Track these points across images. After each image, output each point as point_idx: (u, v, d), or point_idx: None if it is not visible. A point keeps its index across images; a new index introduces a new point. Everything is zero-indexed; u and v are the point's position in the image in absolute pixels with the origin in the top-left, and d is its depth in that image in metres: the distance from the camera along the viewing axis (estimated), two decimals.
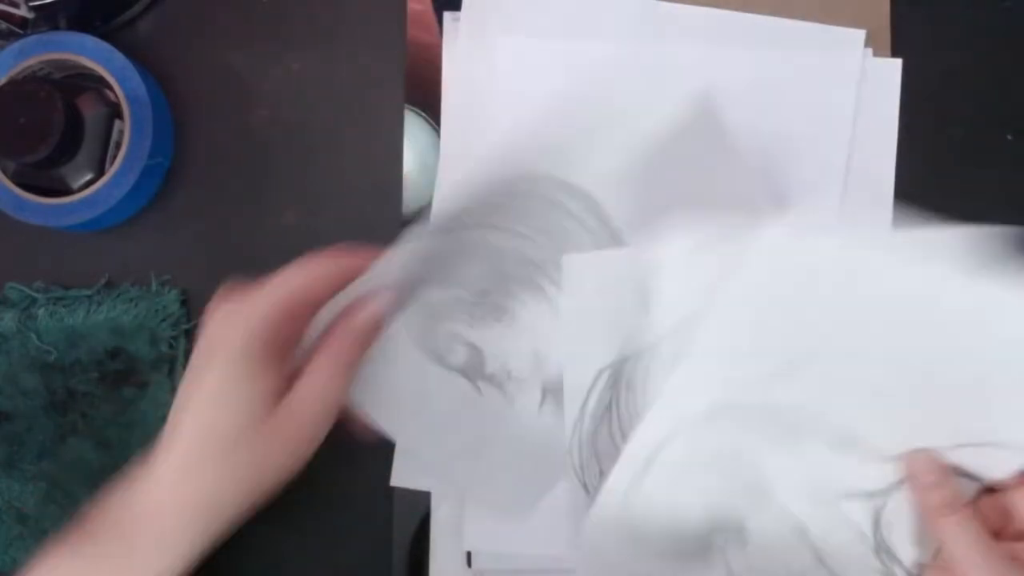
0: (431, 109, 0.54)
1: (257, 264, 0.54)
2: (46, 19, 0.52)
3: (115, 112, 0.51)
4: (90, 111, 0.50)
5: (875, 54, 0.53)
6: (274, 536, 0.53)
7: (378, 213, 0.54)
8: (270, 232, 0.54)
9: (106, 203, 0.51)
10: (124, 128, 0.51)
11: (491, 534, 0.51)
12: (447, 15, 0.53)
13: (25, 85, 0.49)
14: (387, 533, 0.52)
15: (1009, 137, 0.54)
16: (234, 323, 0.42)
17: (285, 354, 0.43)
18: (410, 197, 0.54)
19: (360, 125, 0.54)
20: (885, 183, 0.52)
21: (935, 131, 0.53)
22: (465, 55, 0.53)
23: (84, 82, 0.51)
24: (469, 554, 0.52)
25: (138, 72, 0.51)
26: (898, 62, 0.52)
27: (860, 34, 0.52)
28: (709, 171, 0.49)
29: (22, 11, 0.51)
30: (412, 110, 0.54)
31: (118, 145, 0.51)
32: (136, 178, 0.51)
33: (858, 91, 0.52)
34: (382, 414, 0.49)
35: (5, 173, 0.50)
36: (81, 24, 0.53)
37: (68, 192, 0.51)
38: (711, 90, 0.49)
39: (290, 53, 0.55)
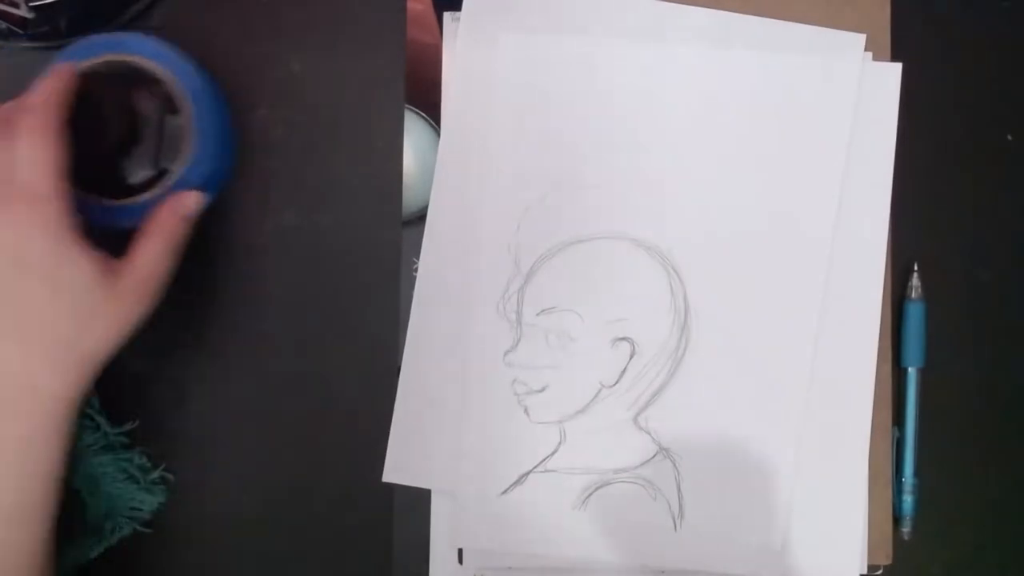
0: (431, 109, 0.54)
1: (257, 264, 0.54)
2: (46, 19, 0.52)
3: (170, 109, 0.50)
4: (146, 109, 0.49)
5: (875, 58, 0.53)
6: (274, 536, 0.53)
7: (378, 213, 0.54)
8: (270, 232, 0.54)
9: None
10: (183, 125, 0.50)
11: (480, 531, 0.52)
12: (447, 15, 0.53)
13: (83, 82, 0.47)
14: (387, 533, 0.52)
15: (1009, 137, 0.54)
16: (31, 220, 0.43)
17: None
18: (410, 197, 0.54)
19: (360, 125, 0.54)
20: (882, 187, 0.52)
21: (935, 132, 0.54)
22: (465, 55, 0.53)
23: (140, 81, 0.50)
24: (460, 551, 0.52)
25: (197, 73, 0.50)
26: (897, 66, 0.53)
27: (860, 38, 0.52)
28: None
29: (22, 11, 0.51)
30: (412, 110, 0.54)
31: (174, 143, 0.50)
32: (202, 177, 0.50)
33: (857, 95, 0.52)
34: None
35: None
36: (81, 24, 0.53)
37: (123, 190, 0.50)
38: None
39: (290, 53, 0.55)
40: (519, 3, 0.53)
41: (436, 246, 0.53)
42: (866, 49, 0.52)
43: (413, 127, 0.54)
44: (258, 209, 0.54)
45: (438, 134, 0.53)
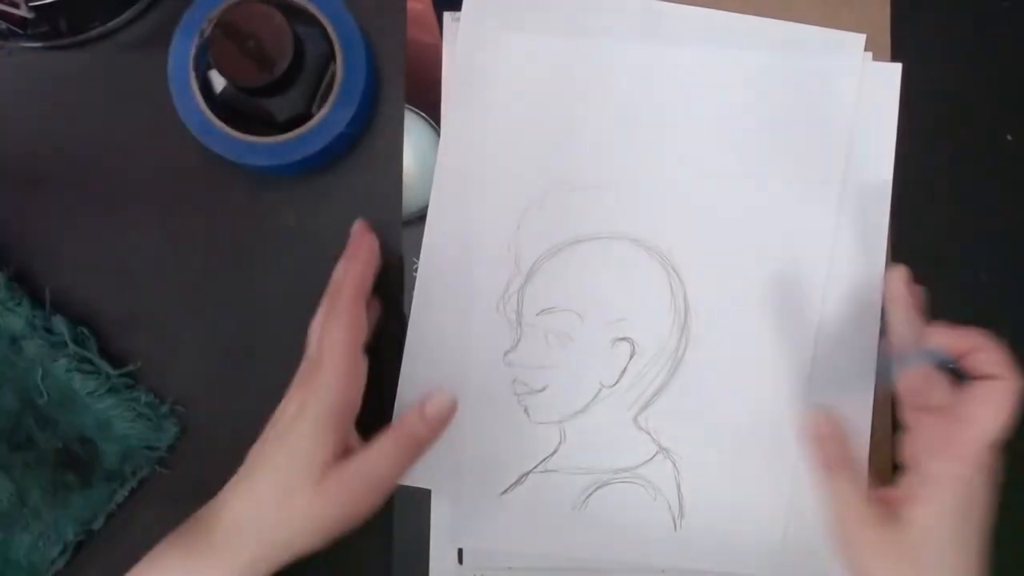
0: (431, 109, 0.54)
1: (257, 264, 0.54)
2: (46, 19, 0.52)
3: (331, 55, 0.50)
4: (309, 50, 0.49)
5: (875, 58, 0.53)
6: None
7: (378, 213, 0.53)
8: (270, 232, 0.54)
9: (313, 144, 0.50)
10: (335, 71, 0.50)
11: (480, 531, 0.52)
12: (447, 15, 0.53)
13: (258, 6, 0.47)
14: (387, 533, 0.52)
15: (1009, 137, 0.54)
16: (321, 387, 0.45)
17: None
18: (410, 197, 0.54)
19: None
20: (883, 188, 0.52)
21: (935, 132, 0.54)
22: (465, 55, 0.53)
23: (302, 22, 0.50)
24: (460, 551, 0.52)
25: (354, 22, 0.50)
26: (897, 66, 0.53)
27: (860, 38, 0.52)
28: None
29: (22, 11, 0.51)
30: (412, 110, 0.54)
31: (329, 87, 0.50)
32: (344, 125, 0.50)
33: (857, 95, 0.52)
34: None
35: (212, 102, 0.49)
36: (82, 24, 0.53)
37: (266, 127, 0.49)
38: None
39: None
40: (519, 3, 0.53)
41: (436, 246, 0.53)
42: (866, 49, 0.52)
43: (413, 127, 0.54)
44: (258, 209, 0.54)
45: (438, 134, 0.53)
